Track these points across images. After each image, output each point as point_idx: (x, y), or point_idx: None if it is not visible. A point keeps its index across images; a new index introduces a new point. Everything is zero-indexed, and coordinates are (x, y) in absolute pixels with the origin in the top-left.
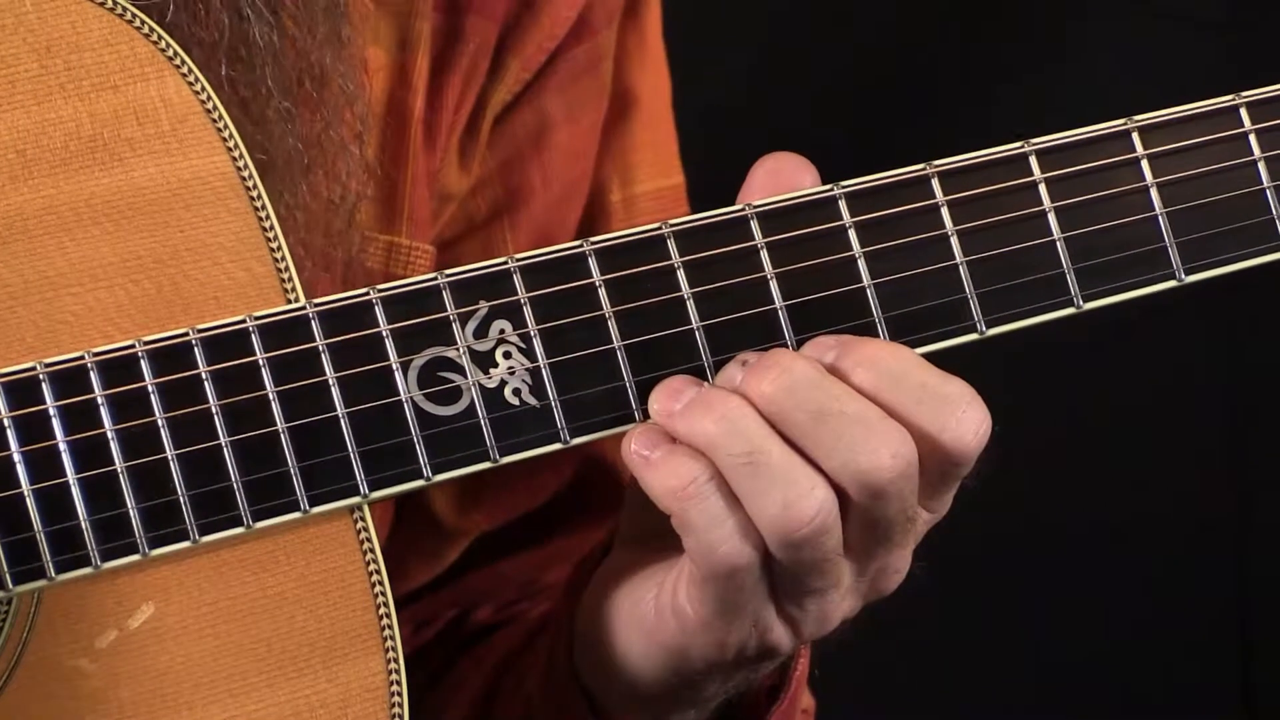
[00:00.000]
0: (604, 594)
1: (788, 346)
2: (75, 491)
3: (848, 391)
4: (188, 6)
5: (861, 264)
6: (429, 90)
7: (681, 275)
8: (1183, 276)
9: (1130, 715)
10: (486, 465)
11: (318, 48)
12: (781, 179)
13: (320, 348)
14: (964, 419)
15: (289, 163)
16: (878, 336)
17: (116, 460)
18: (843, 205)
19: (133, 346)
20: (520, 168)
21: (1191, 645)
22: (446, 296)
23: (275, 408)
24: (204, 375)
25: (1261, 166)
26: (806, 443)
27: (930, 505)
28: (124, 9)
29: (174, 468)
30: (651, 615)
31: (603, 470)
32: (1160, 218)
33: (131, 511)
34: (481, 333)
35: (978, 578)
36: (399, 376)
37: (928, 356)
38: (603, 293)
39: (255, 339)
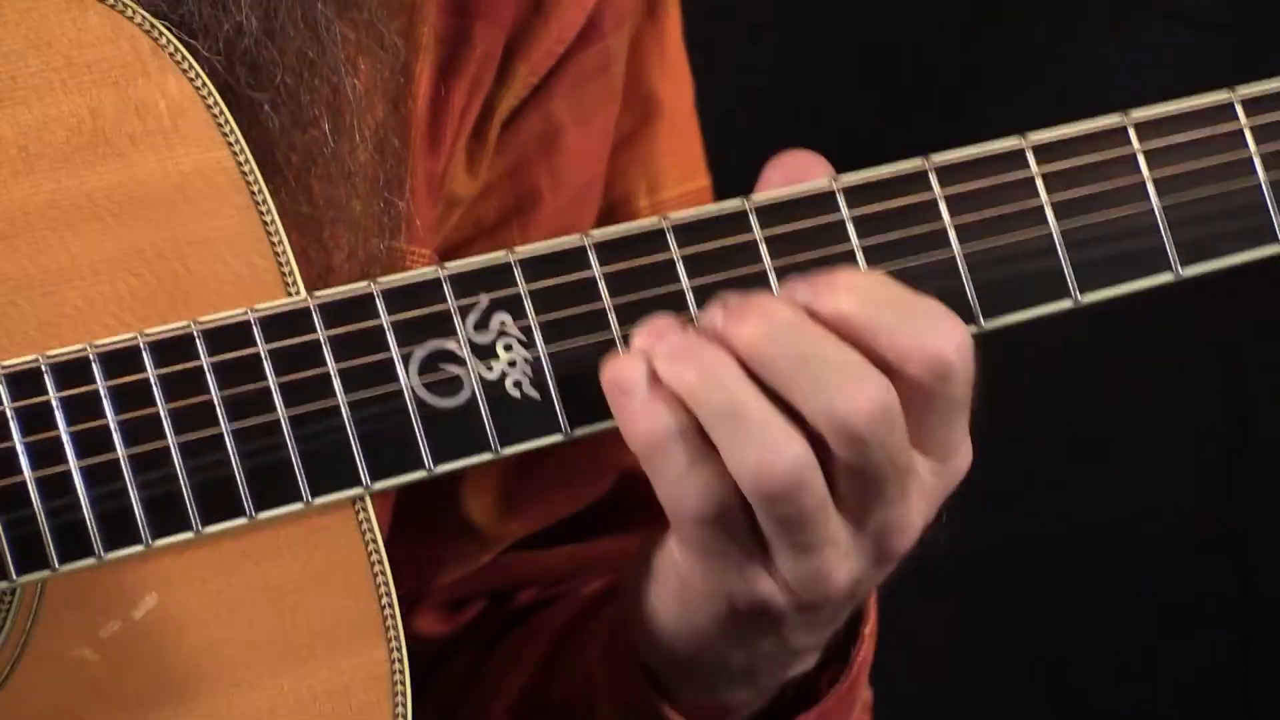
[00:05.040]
0: (638, 560)
1: None
2: (78, 482)
3: (827, 337)
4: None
5: (860, 257)
6: (433, 95)
7: (681, 268)
8: (1181, 271)
9: (1130, 715)
10: (488, 456)
11: (332, 55)
12: (797, 175)
13: (321, 340)
14: (942, 332)
15: (287, 164)
16: None
17: (119, 451)
18: (841, 199)
19: (134, 338)
20: (529, 172)
21: (1192, 645)
22: (447, 289)
23: (277, 399)
24: (206, 367)
25: (1257, 162)
26: (786, 388)
27: (929, 448)
28: (124, 5)
29: (176, 459)
30: (661, 569)
31: (640, 485)
32: (1157, 212)
33: (134, 502)
34: (482, 325)
35: (978, 578)
36: (400, 368)
37: None
38: (603, 285)
39: (257, 331)
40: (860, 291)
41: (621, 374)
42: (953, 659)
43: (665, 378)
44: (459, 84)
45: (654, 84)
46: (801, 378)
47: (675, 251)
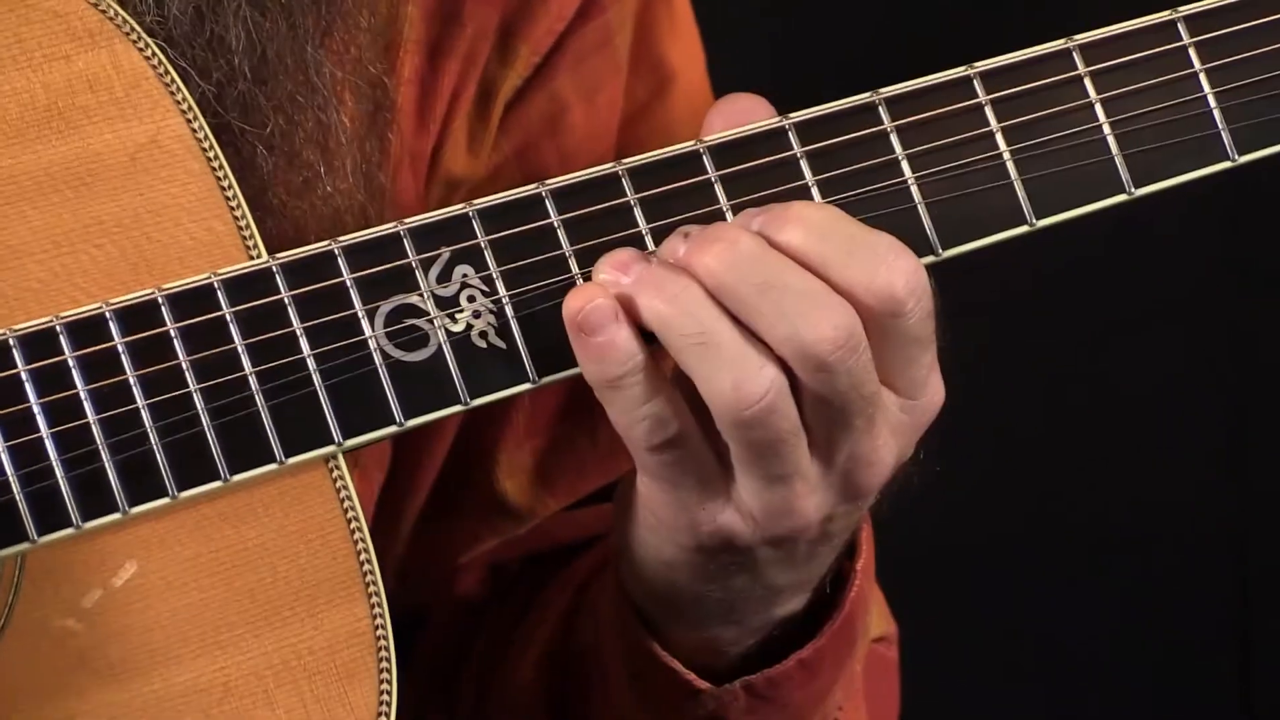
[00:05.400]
0: (619, 497)
1: None
2: (52, 452)
3: (789, 264)
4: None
5: (815, 193)
6: (422, 74)
7: (638, 211)
8: (1133, 191)
9: (1130, 715)
10: (458, 408)
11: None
12: (738, 119)
13: (286, 300)
14: (895, 266)
15: (280, 204)
16: None
17: (91, 420)
18: (793, 135)
19: (100, 308)
20: (537, 152)
21: (1192, 645)
22: (407, 243)
23: (245, 361)
24: (173, 333)
25: (1203, 78)
26: (751, 316)
27: (894, 383)
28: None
29: (149, 425)
30: (633, 503)
31: None
32: (1106, 133)
33: (109, 470)
34: (444, 277)
35: (977, 579)
36: (365, 325)
37: None
38: (561, 232)
39: (221, 295)
40: (810, 225)
41: (585, 305)
42: (951, 659)
43: (635, 309)
44: (449, 63)
45: (665, 51)
46: (765, 305)
47: (631, 195)
